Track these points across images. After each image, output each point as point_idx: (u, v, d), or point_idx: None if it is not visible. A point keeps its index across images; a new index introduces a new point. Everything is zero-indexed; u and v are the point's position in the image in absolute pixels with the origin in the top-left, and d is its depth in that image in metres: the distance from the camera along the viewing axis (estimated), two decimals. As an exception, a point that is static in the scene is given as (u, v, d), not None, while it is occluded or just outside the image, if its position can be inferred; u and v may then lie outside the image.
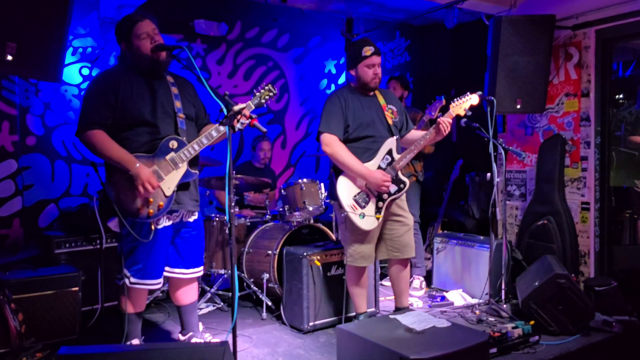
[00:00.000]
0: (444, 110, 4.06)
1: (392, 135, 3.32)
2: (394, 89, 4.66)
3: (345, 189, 3.22)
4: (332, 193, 3.31)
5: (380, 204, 3.25)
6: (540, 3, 4.66)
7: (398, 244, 3.36)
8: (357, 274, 3.40)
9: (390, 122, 3.33)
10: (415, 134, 3.46)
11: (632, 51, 5.62)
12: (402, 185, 3.29)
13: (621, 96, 5.18)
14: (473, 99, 3.38)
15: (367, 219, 3.20)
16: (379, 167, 3.26)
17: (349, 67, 3.38)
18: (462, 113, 3.38)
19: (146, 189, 2.63)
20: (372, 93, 3.40)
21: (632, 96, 5.04)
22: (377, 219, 3.23)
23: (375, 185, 3.18)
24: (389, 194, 3.26)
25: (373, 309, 3.85)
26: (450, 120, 3.27)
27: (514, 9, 4.78)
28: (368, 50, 3.26)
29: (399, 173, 3.29)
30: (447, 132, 3.24)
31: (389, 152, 3.28)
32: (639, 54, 5.64)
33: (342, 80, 6.06)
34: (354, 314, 3.61)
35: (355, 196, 3.22)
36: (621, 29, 4.31)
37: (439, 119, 3.25)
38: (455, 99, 3.39)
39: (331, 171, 3.37)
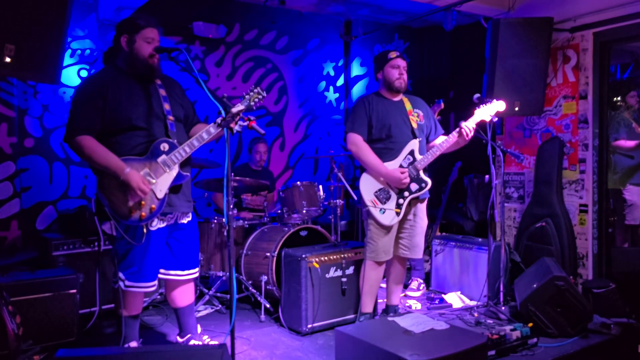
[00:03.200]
0: (442, 114, 4.10)
1: (415, 137, 3.47)
2: None
3: (367, 185, 3.42)
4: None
5: (401, 201, 3.41)
6: (538, 6, 4.67)
7: (410, 244, 3.54)
8: (375, 270, 3.49)
9: (414, 125, 3.48)
10: (442, 138, 3.57)
11: (629, 54, 5.63)
12: (423, 185, 3.45)
13: (619, 99, 5.19)
14: (499, 105, 3.54)
15: (387, 213, 3.38)
16: (401, 166, 3.42)
17: (376, 71, 3.57)
18: (487, 118, 3.56)
19: (137, 195, 2.64)
20: (398, 98, 3.54)
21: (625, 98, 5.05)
22: (397, 213, 3.40)
23: (394, 183, 3.37)
24: (410, 192, 3.42)
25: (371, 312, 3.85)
26: (474, 125, 3.43)
27: (512, 11, 4.79)
28: (393, 53, 3.53)
29: (421, 173, 3.44)
30: (469, 136, 3.41)
31: (411, 153, 3.44)
32: (636, 56, 5.65)
33: (340, 82, 6.07)
34: (351, 316, 3.63)
35: (376, 192, 3.40)
36: (619, 31, 4.32)
37: (460, 124, 3.42)
38: (481, 105, 3.53)
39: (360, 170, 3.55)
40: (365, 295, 3.53)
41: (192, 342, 3.04)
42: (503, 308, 3.82)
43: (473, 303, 4.14)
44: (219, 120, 2.64)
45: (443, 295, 4.36)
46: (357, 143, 3.42)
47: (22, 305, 3.09)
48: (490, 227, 3.97)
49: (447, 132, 3.60)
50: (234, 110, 2.51)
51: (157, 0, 4.12)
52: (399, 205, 3.40)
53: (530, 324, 3.29)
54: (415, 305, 4.17)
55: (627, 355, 3.36)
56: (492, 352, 2.99)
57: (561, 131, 4.71)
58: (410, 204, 3.48)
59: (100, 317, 3.71)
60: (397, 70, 3.47)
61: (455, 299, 4.25)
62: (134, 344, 2.90)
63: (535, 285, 3.44)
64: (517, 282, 3.91)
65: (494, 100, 3.56)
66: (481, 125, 3.83)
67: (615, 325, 3.45)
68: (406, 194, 3.42)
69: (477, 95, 3.90)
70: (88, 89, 2.72)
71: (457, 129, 3.41)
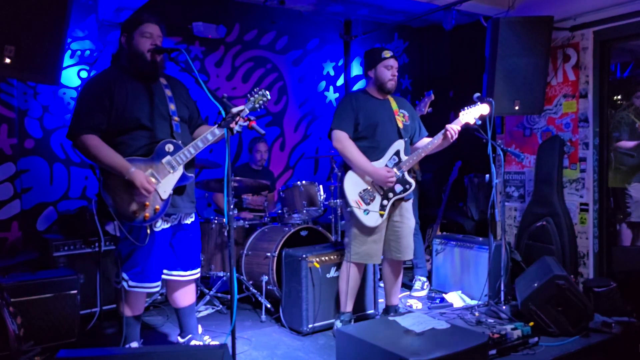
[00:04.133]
0: (443, 112, 4.07)
1: (401, 137, 3.43)
2: None
3: (352, 185, 3.34)
4: (341, 189, 3.42)
5: (385, 202, 3.35)
6: (538, 4, 4.67)
7: (400, 245, 3.47)
8: (355, 272, 3.44)
9: (400, 125, 3.44)
10: (426, 140, 3.54)
11: (629, 52, 5.62)
12: (407, 186, 3.39)
13: (619, 97, 5.18)
14: (483, 108, 3.51)
15: (371, 215, 3.31)
16: (386, 167, 3.36)
17: (367, 68, 3.51)
18: (471, 121, 3.51)
19: (142, 194, 2.63)
20: (385, 97, 3.50)
21: (630, 97, 5.04)
22: (381, 215, 3.33)
23: (380, 182, 3.30)
24: (394, 193, 3.36)
25: (373, 311, 3.85)
26: (459, 128, 3.40)
27: (511, 10, 4.79)
28: (387, 52, 3.46)
29: (405, 174, 3.39)
30: (454, 138, 3.37)
31: (397, 153, 3.39)
32: (636, 55, 5.64)
33: (340, 82, 6.07)
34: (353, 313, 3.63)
35: (360, 192, 3.33)
36: (619, 30, 4.32)
37: (446, 126, 3.37)
38: (466, 107, 3.50)
39: (341, 170, 3.47)
40: (347, 296, 3.48)
41: (193, 342, 3.04)
42: (504, 307, 3.82)
43: (474, 302, 4.14)
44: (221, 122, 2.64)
45: (444, 295, 4.35)
46: (343, 140, 3.34)
47: (23, 306, 3.09)
48: (490, 227, 3.97)
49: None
50: (234, 110, 2.51)
51: (157, 0, 4.11)
52: (383, 207, 3.34)
53: (531, 323, 3.29)
54: (416, 304, 4.17)
55: (629, 354, 3.35)
56: (493, 352, 2.99)
57: (561, 130, 4.71)
58: (395, 205, 3.42)
59: (101, 317, 3.71)
60: (390, 72, 3.42)
61: (456, 299, 4.25)
62: (134, 344, 2.90)
63: (536, 285, 3.44)
64: (518, 281, 3.91)
65: (478, 102, 3.53)
66: (481, 125, 3.84)
67: (617, 324, 3.44)
68: (390, 195, 3.36)
69: (477, 94, 3.89)
70: (94, 88, 2.72)
71: (443, 131, 3.37)
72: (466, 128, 3.88)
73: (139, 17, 2.78)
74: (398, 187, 3.36)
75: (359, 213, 3.29)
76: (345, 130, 3.36)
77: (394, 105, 3.50)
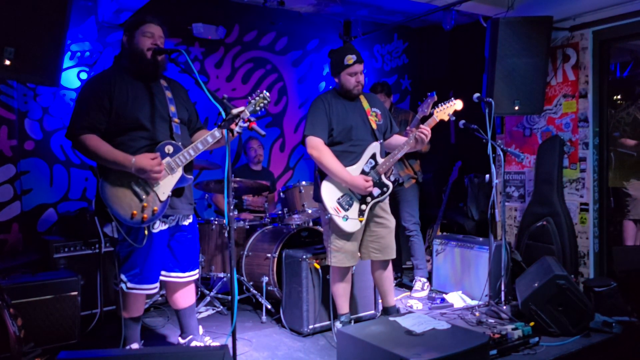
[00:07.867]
0: (434, 105, 4.03)
1: (376, 139, 3.36)
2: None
3: (329, 192, 3.27)
4: (317, 195, 3.35)
5: (364, 207, 3.30)
6: (538, 4, 4.67)
7: (379, 246, 3.40)
8: (342, 275, 3.42)
9: (374, 126, 3.37)
10: (398, 138, 3.48)
11: (629, 52, 5.63)
12: (385, 189, 3.33)
13: (619, 97, 5.19)
14: (457, 104, 3.41)
15: (350, 222, 3.26)
16: (363, 171, 3.30)
17: (332, 73, 3.43)
18: (445, 118, 3.42)
19: (156, 174, 2.63)
20: (355, 99, 3.42)
21: (630, 97, 5.05)
22: (360, 221, 3.28)
23: (358, 190, 3.24)
24: (372, 197, 3.30)
25: (373, 312, 3.85)
26: (429, 130, 3.25)
27: (511, 10, 4.79)
28: (350, 59, 3.31)
29: (383, 177, 3.33)
30: (426, 141, 3.24)
31: (373, 156, 3.32)
32: (636, 55, 5.65)
33: (340, 82, 6.07)
34: (352, 316, 3.61)
35: (339, 199, 3.26)
36: (618, 30, 4.33)
37: (416, 131, 3.24)
38: (440, 104, 3.41)
39: (316, 173, 3.39)
40: (339, 298, 3.46)
41: (193, 343, 3.04)
42: (504, 307, 3.82)
43: (474, 302, 4.13)
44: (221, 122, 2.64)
45: (444, 295, 4.35)
46: (319, 147, 3.25)
47: (24, 307, 3.09)
48: (491, 227, 3.97)
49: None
50: (234, 111, 2.51)
51: (156, 1, 4.12)
52: (361, 212, 3.27)
53: (532, 323, 3.29)
54: (417, 305, 4.17)
55: (629, 353, 3.35)
56: (494, 352, 2.99)
57: (561, 130, 4.71)
58: (372, 207, 3.35)
59: (102, 319, 3.71)
60: (355, 78, 3.31)
61: (456, 299, 4.25)
62: (135, 345, 2.90)
63: (536, 284, 3.44)
64: (519, 281, 3.91)
65: (452, 98, 3.42)
66: (481, 125, 3.84)
67: (617, 324, 3.44)
68: (368, 199, 3.29)
69: (477, 94, 3.90)
70: (93, 88, 2.72)
71: (413, 135, 3.24)
72: (466, 128, 3.90)
73: (142, 18, 2.79)
74: (376, 191, 3.29)
75: (338, 220, 3.22)
76: (320, 136, 3.27)
77: (365, 104, 3.42)
